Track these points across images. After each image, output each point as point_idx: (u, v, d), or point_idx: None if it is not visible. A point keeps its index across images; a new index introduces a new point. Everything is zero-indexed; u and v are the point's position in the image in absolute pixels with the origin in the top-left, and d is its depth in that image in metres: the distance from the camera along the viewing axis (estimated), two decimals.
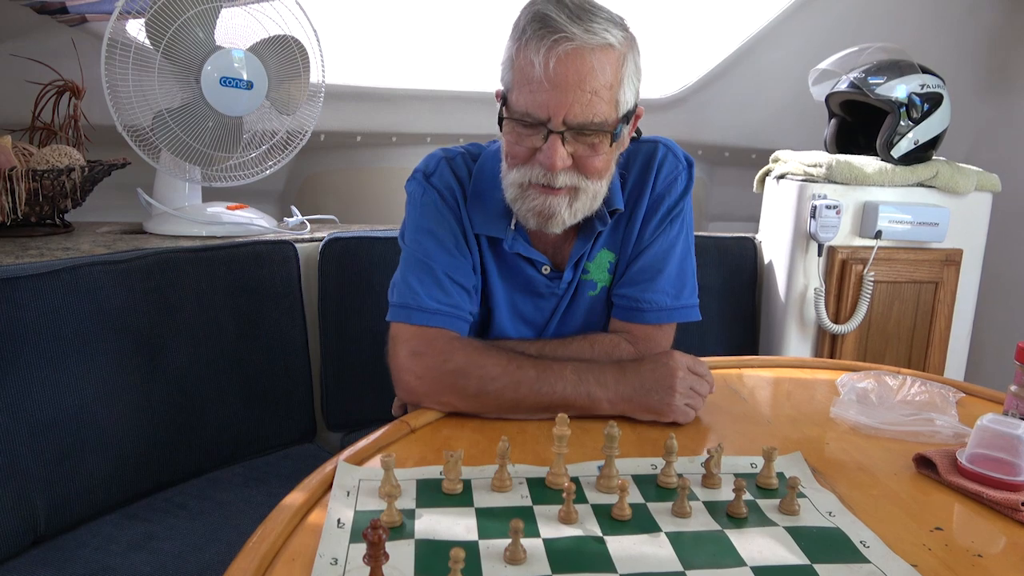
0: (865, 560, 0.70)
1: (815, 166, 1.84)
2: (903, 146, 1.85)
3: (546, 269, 1.11)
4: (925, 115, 1.84)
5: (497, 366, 0.99)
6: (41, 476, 1.13)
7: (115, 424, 1.24)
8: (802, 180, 1.86)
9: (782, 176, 1.93)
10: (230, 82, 1.57)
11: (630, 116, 1.01)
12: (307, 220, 1.77)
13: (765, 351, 1.98)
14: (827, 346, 1.88)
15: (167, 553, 1.12)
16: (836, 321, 1.86)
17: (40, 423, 1.13)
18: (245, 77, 1.59)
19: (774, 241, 1.95)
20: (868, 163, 1.85)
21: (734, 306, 1.93)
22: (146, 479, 1.29)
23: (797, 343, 1.90)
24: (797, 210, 1.85)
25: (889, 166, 1.85)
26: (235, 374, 1.44)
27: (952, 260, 1.89)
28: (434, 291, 1.04)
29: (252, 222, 1.68)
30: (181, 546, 1.14)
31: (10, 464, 1.09)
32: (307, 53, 1.68)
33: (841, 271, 1.84)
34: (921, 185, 1.88)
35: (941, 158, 1.94)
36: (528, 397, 0.98)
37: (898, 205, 1.84)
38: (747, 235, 2.01)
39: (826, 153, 1.94)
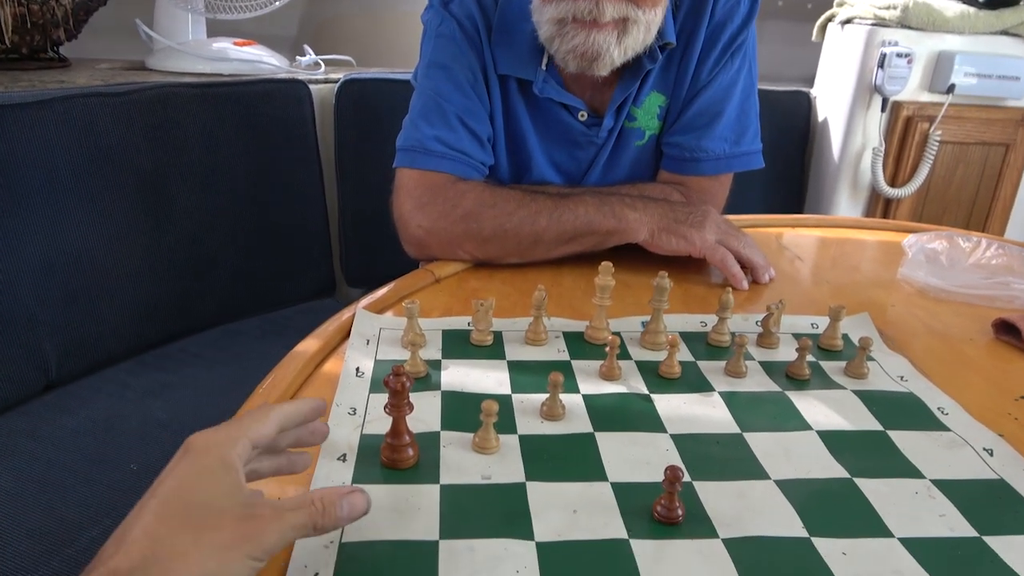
0: (944, 427, 0.62)
1: (888, 8, 1.64)
2: None
3: (583, 115, 0.98)
4: None
5: (511, 201, 0.89)
6: (48, 321, 1.08)
7: (123, 270, 1.17)
8: (871, 25, 1.66)
9: (848, 21, 1.72)
10: None
11: None
12: (321, 60, 1.63)
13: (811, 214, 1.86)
14: (879, 211, 1.76)
15: (183, 402, 1.08)
16: (892, 184, 1.72)
17: (42, 266, 1.07)
18: None
19: (832, 95, 1.78)
20: (949, 6, 1.64)
21: (781, 166, 1.79)
22: (159, 328, 1.24)
23: (847, 207, 1.78)
24: (863, 60, 1.67)
25: (973, 10, 1.64)
26: (248, 223, 1.36)
27: None
28: (444, 133, 0.92)
29: (261, 59, 1.54)
30: (197, 395, 1.10)
31: (14, 308, 1.04)
32: None
33: (904, 129, 1.68)
34: (1005, 33, 1.68)
35: None
36: (549, 228, 0.88)
37: (976, 56, 1.65)
38: (801, 88, 1.83)
39: None
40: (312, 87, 1.45)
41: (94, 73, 1.47)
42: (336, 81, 1.48)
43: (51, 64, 1.49)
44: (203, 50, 1.51)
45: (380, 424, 0.57)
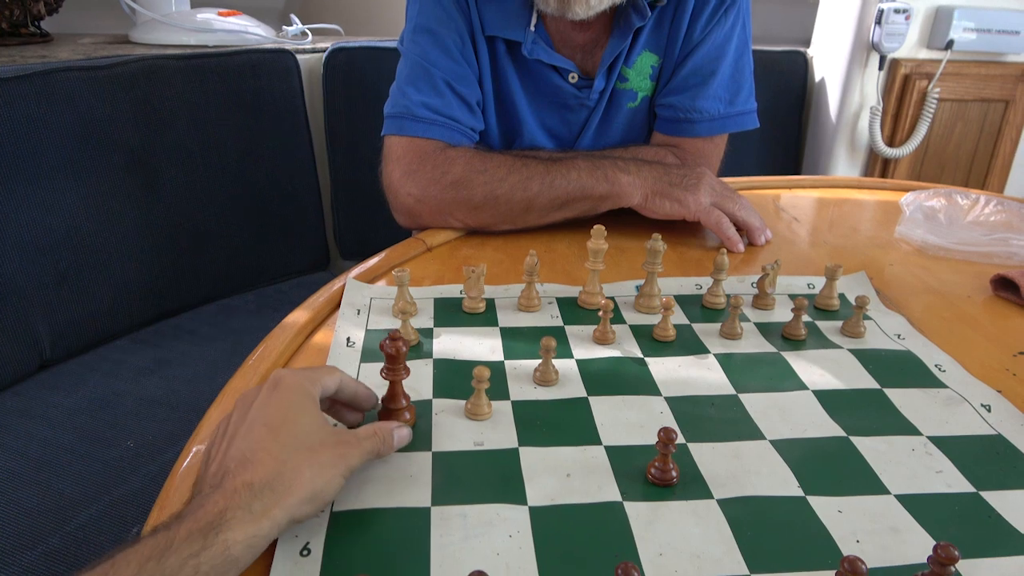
0: (942, 384, 0.62)
1: None
2: None
3: (573, 77, 0.96)
4: None
5: (502, 167, 0.87)
6: (40, 301, 1.07)
7: (113, 247, 1.16)
8: None
9: None
10: None
11: None
12: (308, 29, 1.59)
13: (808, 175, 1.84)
14: (877, 171, 1.74)
15: (179, 378, 1.08)
16: (890, 144, 1.70)
17: (30, 245, 1.06)
18: None
19: (829, 55, 1.75)
20: None
21: (777, 128, 1.77)
22: (153, 305, 1.23)
23: (845, 168, 1.76)
24: (860, 16, 1.63)
25: None
26: (239, 197, 1.34)
27: None
28: (432, 99, 0.90)
29: (247, 30, 1.50)
30: (193, 372, 1.09)
31: (4, 288, 1.03)
32: None
33: (902, 87, 1.65)
34: None
35: None
36: (542, 193, 0.86)
37: (976, 10, 1.61)
38: (797, 48, 1.80)
39: None
40: (299, 57, 1.43)
41: (76, 47, 1.44)
42: (324, 51, 1.45)
43: (32, 39, 1.47)
44: (187, 21, 1.48)
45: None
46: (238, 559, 0.38)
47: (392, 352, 0.51)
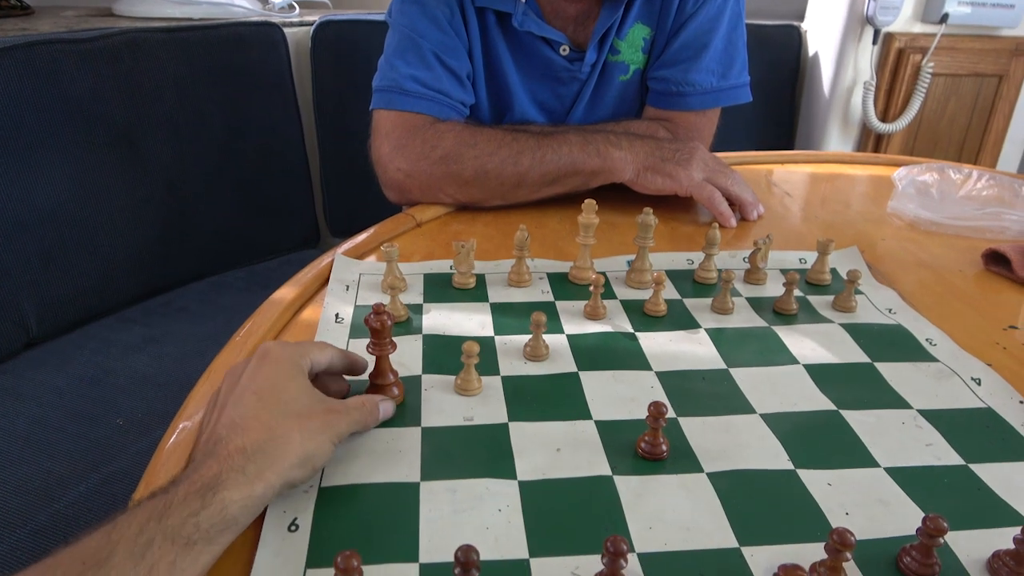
0: (932, 358, 0.62)
1: None
2: None
3: (565, 50, 0.95)
4: None
5: (492, 141, 0.86)
6: (25, 278, 1.06)
7: (99, 225, 1.15)
8: None
9: None
10: None
11: None
12: (296, 2, 1.57)
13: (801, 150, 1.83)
14: (870, 147, 1.73)
15: (169, 356, 1.07)
16: (884, 119, 1.69)
17: (14, 223, 1.04)
18: None
19: (823, 29, 1.73)
20: None
21: (770, 103, 1.75)
22: (141, 282, 1.22)
23: (837, 144, 1.75)
24: None
25: None
26: (227, 173, 1.32)
27: (1022, 50, 1.68)
28: (420, 72, 0.89)
29: (233, 2, 1.48)
30: (183, 349, 1.09)
31: None
32: None
33: (896, 62, 1.64)
34: None
35: None
36: (533, 168, 0.85)
37: None
38: (791, 23, 1.78)
39: None
40: (287, 30, 1.40)
41: (59, 20, 1.42)
42: (311, 24, 1.43)
43: (13, 12, 1.44)
44: None
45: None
46: (236, 518, 0.39)
47: (377, 326, 0.50)
